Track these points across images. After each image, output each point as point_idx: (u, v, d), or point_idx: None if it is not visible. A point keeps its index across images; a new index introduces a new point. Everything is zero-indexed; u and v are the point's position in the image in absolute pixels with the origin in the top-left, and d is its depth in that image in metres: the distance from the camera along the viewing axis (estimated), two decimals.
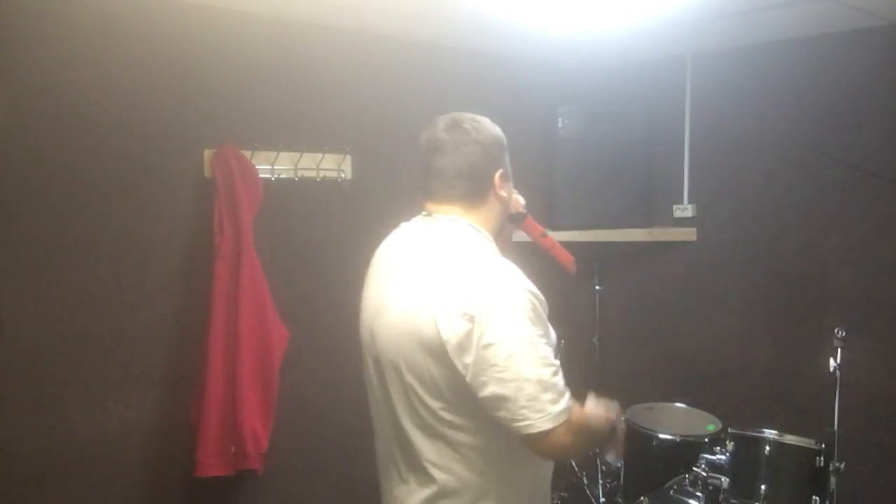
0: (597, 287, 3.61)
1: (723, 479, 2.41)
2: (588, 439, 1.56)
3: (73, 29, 2.22)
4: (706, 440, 2.75)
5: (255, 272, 2.48)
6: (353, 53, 2.87)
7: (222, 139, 2.49)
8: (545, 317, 1.53)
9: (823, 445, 2.38)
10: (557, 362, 1.51)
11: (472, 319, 1.42)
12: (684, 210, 3.48)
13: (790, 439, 2.47)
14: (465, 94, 3.27)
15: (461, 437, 1.53)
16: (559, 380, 1.48)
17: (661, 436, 2.82)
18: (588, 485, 3.45)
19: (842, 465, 2.34)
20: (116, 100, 2.32)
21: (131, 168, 2.36)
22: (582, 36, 2.99)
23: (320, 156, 2.77)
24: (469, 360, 1.42)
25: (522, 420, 1.42)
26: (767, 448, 2.45)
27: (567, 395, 1.49)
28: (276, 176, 2.66)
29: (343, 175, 2.86)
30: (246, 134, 2.57)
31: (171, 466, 2.47)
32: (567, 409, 1.46)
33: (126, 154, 2.35)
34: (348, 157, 2.87)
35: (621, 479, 3.06)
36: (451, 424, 1.52)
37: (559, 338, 1.67)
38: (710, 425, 2.90)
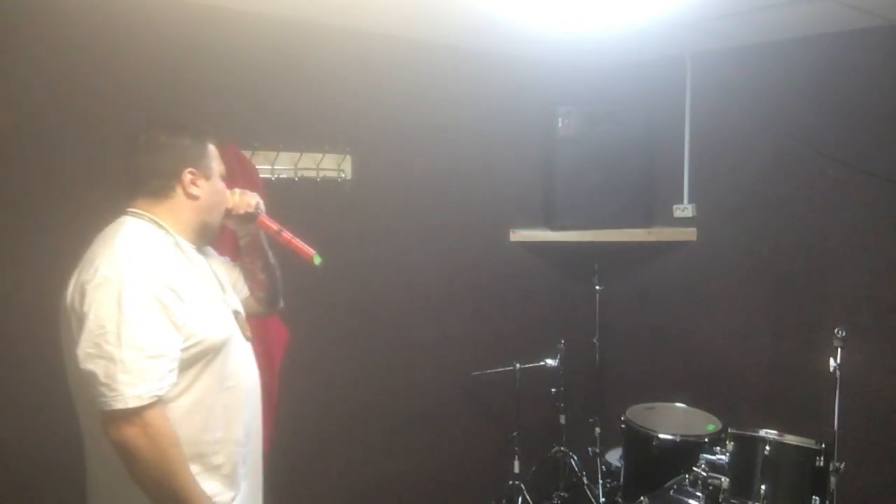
0: (597, 287, 3.61)
1: (723, 479, 2.41)
2: (164, 460, 1.53)
3: (73, 29, 2.22)
4: (706, 440, 2.75)
5: None
6: (353, 53, 2.87)
7: (222, 139, 2.49)
8: (169, 309, 1.57)
9: (823, 445, 2.38)
10: (163, 352, 1.54)
11: (82, 299, 1.54)
12: (684, 210, 3.48)
13: (790, 439, 2.47)
14: (465, 93, 3.29)
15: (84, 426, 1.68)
16: (153, 369, 1.52)
17: (661, 436, 2.83)
18: (588, 485, 3.45)
19: (842, 465, 2.34)
20: (117, 100, 2.32)
21: None
22: (582, 36, 3.00)
23: (320, 156, 2.77)
24: (79, 338, 1.52)
25: (100, 396, 1.49)
26: (767, 448, 2.46)
27: (157, 385, 1.52)
28: (276, 176, 2.66)
29: (343, 175, 2.86)
30: (246, 134, 2.57)
31: None
32: (145, 397, 1.50)
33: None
34: (348, 157, 2.87)
35: (621, 479, 3.06)
36: (78, 412, 1.67)
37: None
38: (710, 425, 2.91)
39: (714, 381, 3.41)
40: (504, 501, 3.36)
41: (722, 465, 2.49)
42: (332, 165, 2.81)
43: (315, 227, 2.79)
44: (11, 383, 2.19)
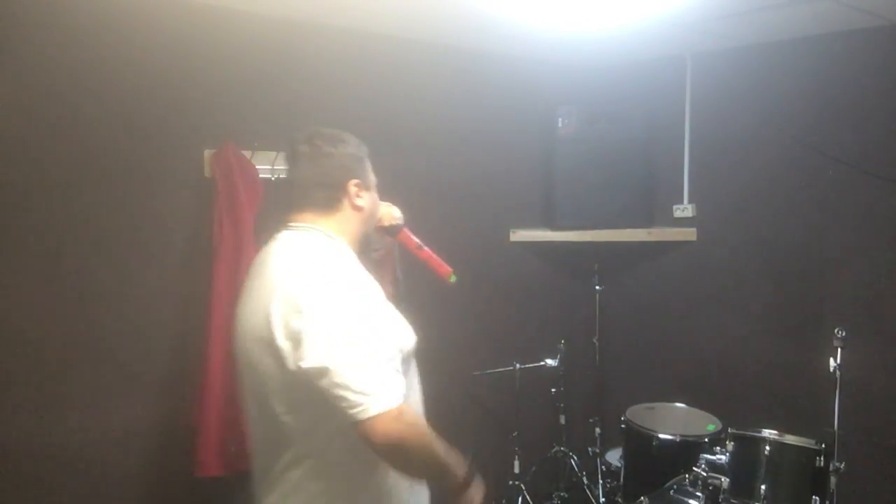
0: (597, 287, 3.61)
1: (723, 479, 2.41)
2: (430, 445, 1.56)
3: (73, 29, 2.22)
4: (706, 440, 2.75)
5: None
6: (353, 53, 2.87)
7: (222, 139, 2.49)
8: (380, 317, 1.58)
9: (823, 445, 2.38)
10: (392, 355, 1.55)
11: (300, 316, 1.50)
12: (684, 210, 3.48)
13: (790, 439, 2.47)
14: (465, 94, 3.29)
15: (299, 443, 1.60)
16: (392, 370, 1.53)
17: (661, 436, 2.83)
18: (588, 485, 3.45)
19: (842, 465, 2.34)
20: (116, 100, 2.32)
21: (131, 168, 2.36)
22: (582, 36, 2.99)
23: None
24: (307, 353, 1.48)
25: (355, 407, 1.45)
26: (767, 448, 2.46)
27: (399, 383, 1.53)
28: (276, 176, 2.66)
29: None
30: (246, 134, 2.57)
31: (172, 466, 2.47)
32: (398, 395, 1.49)
33: (126, 154, 2.35)
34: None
35: (621, 479, 3.06)
36: (290, 428, 1.59)
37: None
38: (710, 425, 2.91)
39: (714, 381, 3.41)
40: (504, 501, 3.36)
41: (722, 465, 2.49)
42: None
43: None
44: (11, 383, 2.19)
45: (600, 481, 3.42)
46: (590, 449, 3.55)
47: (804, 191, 3.11)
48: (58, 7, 2.19)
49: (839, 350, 2.35)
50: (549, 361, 3.33)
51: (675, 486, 2.55)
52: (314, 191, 1.68)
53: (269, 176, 2.62)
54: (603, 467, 3.45)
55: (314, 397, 1.50)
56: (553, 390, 3.44)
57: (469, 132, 3.31)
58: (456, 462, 1.63)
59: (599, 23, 2.77)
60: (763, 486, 2.43)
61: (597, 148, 3.43)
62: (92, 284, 2.30)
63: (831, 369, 2.35)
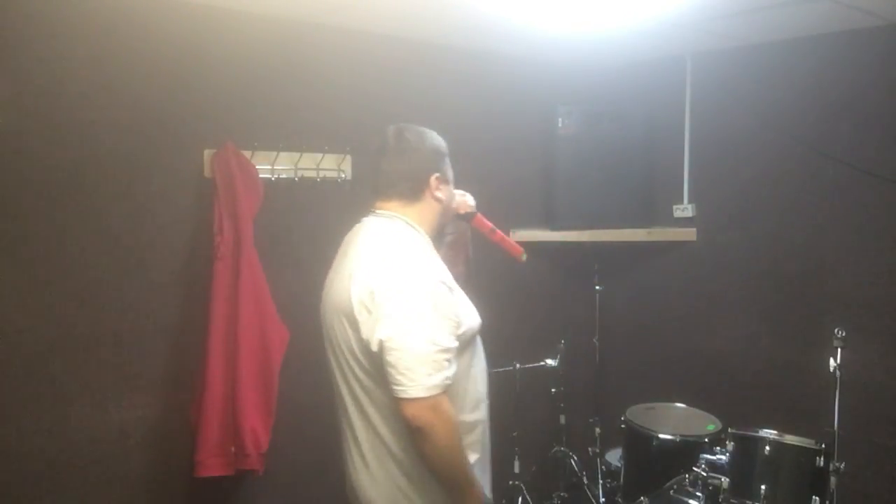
0: (597, 287, 3.61)
1: (723, 479, 2.41)
2: (454, 443, 1.70)
3: (73, 29, 2.23)
4: (706, 440, 2.75)
5: (255, 272, 2.48)
6: (353, 53, 2.87)
7: (222, 139, 2.49)
8: (448, 303, 1.73)
9: (823, 445, 2.37)
10: (449, 345, 1.69)
11: (374, 295, 1.68)
12: (684, 210, 3.48)
13: (790, 439, 2.46)
14: (465, 94, 3.29)
15: (379, 400, 1.75)
16: (443, 361, 1.67)
17: (661, 436, 2.82)
18: (588, 485, 3.45)
19: (842, 465, 2.34)
20: (116, 100, 2.32)
21: (131, 168, 2.36)
22: (582, 36, 2.99)
23: (320, 156, 2.77)
24: (374, 328, 1.67)
25: (398, 385, 1.64)
26: (767, 448, 2.45)
27: (445, 375, 1.66)
28: (276, 176, 2.66)
29: (343, 175, 2.86)
30: (246, 134, 2.57)
31: (172, 466, 2.47)
32: (439, 386, 1.64)
33: (126, 154, 2.35)
34: (348, 157, 2.87)
35: (621, 479, 3.06)
36: (369, 391, 1.76)
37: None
38: (710, 425, 2.90)
39: (714, 380, 3.41)
40: (504, 501, 3.36)
41: (722, 465, 2.49)
42: (332, 165, 2.81)
43: (315, 227, 2.81)
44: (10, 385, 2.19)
45: (600, 481, 3.42)
46: (590, 449, 3.55)
47: (804, 191, 3.11)
48: (58, 7, 2.19)
49: (839, 350, 2.35)
50: (549, 361, 3.33)
51: (675, 486, 2.55)
52: (400, 181, 1.84)
53: (269, 176, 2.63)
54: (603, 467, 3.45)
55: (380, 368, 1.68)
56: (553, 390, 3.44)
57: (469, 132, 3.31)
58: (476, 487, 1.77)
59: (599, 23, 2.77)
60: (763, 486, 2.42)
61: (597, 148, 3.43)
62: (92, 284, 2.30)
63: (831, 369, 2.34)
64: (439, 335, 1.66)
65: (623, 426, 3.01)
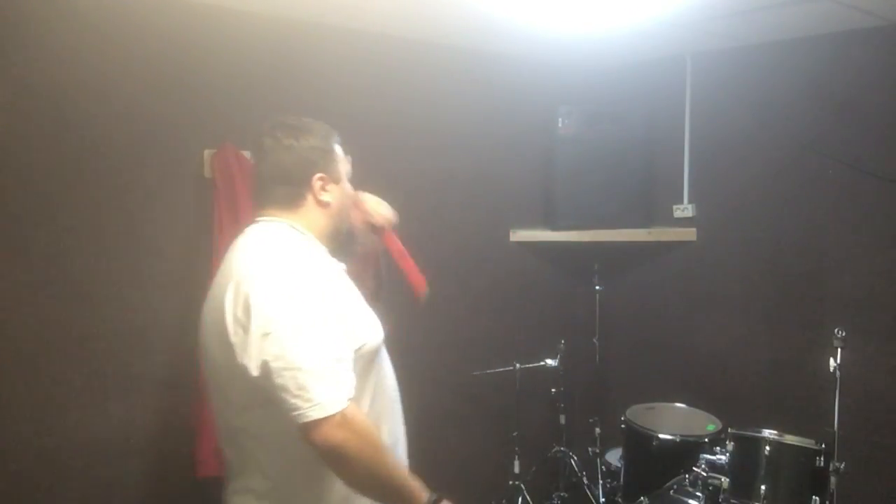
0: (597, 287, 3.61)
1: (723, 479, 2.41)
2: (376, 451, 1.49)
3: (73, 29, 2.22)
4: (706, 440, 2.75)
5: None
6: (353, 53, 2.87)
7: (222, 139, 2.49)
8: (336, 306, 1.52)
9: (823, 445, 2.38)
10: (344, 353, 1.48)
11: (249, 307, 1.45)
12: (684, 210, 3.48)
13: (790, 439, 2.46)
14: (465, 94, 3.29)
15: (251, 444, 1.56)
16: (341, 371, 1.46)
17: (661, 436, 2.83)
18: (588, 485, 3.45)
19: (842, 465, 2.34)
20: (116, 100, 2.32)
21: (131, 168, 2.36)
22: (582, 36, 2.99)
23: None
24: (252, 349, 1.43)
25: (295, 410, 1.39)
26: (767, 448, 2.45)
27: (347, 385, 1.45)
28: None
29: None
30: (246, 134, 2.55)
31: (171, 466, 2.47)
32: (341, 400, 1.42)
33: (126, 154, 2.35)
34: (348, 158, 2.86)
35: (621, 479, 3.06)
36: (242, 431, 1.55)
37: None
38: (710, 425, 2.91)
39: (714, 381, 3.41)
40: (504, 501, 3.36)
41: (722, 465, 2.49)
42: None
43: None
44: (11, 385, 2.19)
45: (600, 481, 3.41)
46: (590, 449, 3.55)
47: (804, 191, 3.11)
48: (58, 7, 2.19)
49: (839, 350, 2.35)
50: (549, 361, 3.33)
51: (675, 486, 2.56)
52: (274, 187, 1.62)
53: None
54: (603, 467, 3.45)
55: (263, 396, 1.45)
56: (553, 390, 3.43)
57: (469, 132, 3.31)
58: (416, 487, 1.55)
59: (599, 23, 2.77)
60: (763, 487, 2.43)
61: (597, 148, 3.43)
62: (92, 284, 2.30)
63: (831, 369, 2.35)
64: (331, 344, 1.45)
65: (623, 426, 3.01)
